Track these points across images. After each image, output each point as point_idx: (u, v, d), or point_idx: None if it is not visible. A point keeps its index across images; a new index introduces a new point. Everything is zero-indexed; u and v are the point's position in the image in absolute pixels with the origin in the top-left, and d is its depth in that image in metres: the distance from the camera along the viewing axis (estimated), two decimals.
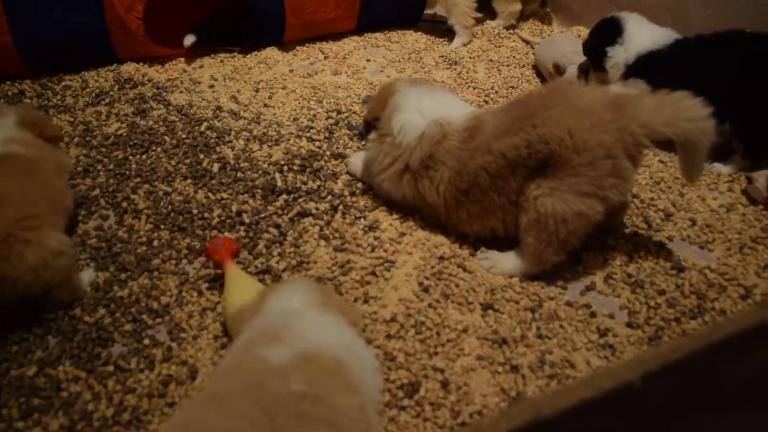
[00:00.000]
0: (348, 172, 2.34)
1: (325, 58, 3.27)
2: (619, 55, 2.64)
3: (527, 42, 3.46)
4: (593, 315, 1.81)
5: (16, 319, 1.79)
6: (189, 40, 3.14)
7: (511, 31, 3.57)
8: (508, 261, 1.92)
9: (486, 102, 2.84)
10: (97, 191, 2.27)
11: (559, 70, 2.90)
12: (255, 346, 1.31)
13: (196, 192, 2.26)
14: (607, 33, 2.68)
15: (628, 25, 2.64)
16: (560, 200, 1.77)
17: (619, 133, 1.72)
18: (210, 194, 2.24)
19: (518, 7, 3.57)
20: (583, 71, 2.81)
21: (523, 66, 3.19)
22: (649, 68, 2.56)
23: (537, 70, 3.16)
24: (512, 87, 2.98)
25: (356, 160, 2.31)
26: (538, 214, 1.80)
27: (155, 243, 2.06)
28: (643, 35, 2.62)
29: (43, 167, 1.95)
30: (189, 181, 2.31)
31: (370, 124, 2.12)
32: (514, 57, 3.29)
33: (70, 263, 1.81)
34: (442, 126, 1.96)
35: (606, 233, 2.09)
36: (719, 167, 2.44)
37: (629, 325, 1.79)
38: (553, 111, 1.78)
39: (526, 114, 1.83)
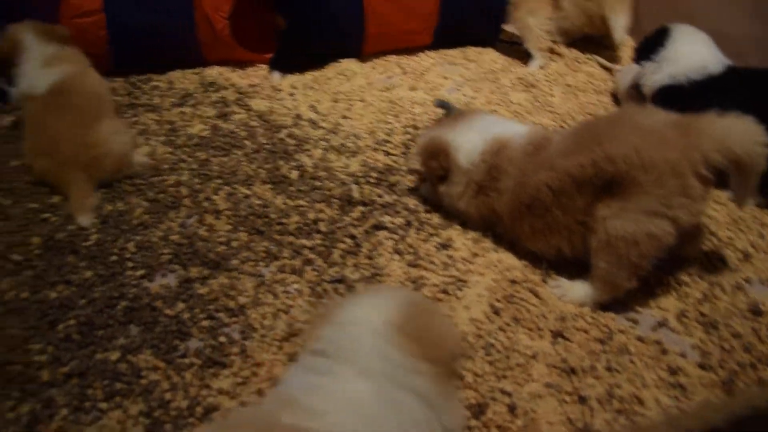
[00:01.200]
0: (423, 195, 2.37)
1: (403, 73, 3.32)
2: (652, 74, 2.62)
3: (606, 68, 3.45)
4: (664, 352, 1.80)
5: (100, 307, 1.89)
6: (276, 77, 3.24)
7: (589, 56, 3.56)
8: (580, 289, 1.93)
9: (562, 127, 2.85)
10: (181, 189, 2.36)
11: (637, 92, 2.87)
12: (279, 407, 1.17)
13: (274, 197, 2.33)
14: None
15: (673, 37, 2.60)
16: (630, 221, 1.77)
17: (686, 151, 1.73)
18: (288, 200, 2.31)
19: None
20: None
21: (600, 93, 3.19)
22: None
23: (615, 97, 3.15)
24: (589, 113, 2.97)
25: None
26: (608, 236, 1.81)
27: (234, 244, 2.14)
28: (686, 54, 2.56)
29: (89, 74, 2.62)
30: (268, 186, 2.39)
31: (443, 177, 2.17)
32: (591, 83, 3.29)
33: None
34: (500, 138, 2.05)
35: (680, 266, 2.07)
36: None
37: (701, 366, 1.77)
38: (618, 131, 1.82)
39: (593, 134, 1.87)
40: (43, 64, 2.53)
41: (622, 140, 1.78)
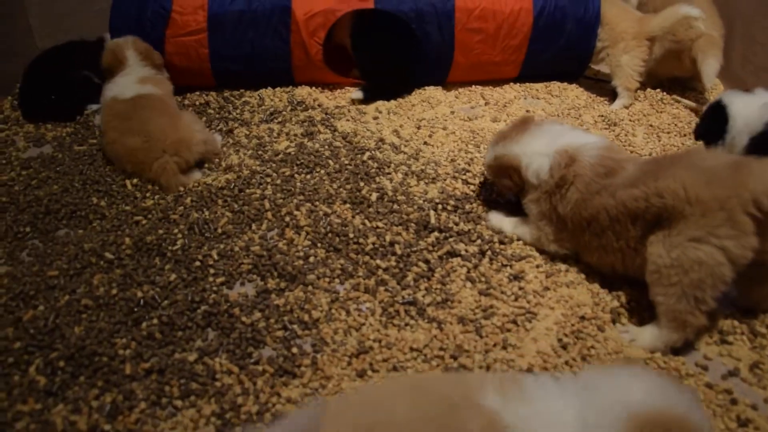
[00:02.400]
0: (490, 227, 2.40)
1: (486, 103, 3.36)
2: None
3: (692, 109, 3.41)
4: (734, 402, 1.76)
5: (182, 309, 1.99)
6: (357, 95, 3.34)
7: (675, 97, 3.52)
8: (648, 333, 1.91)
9: None
10: (265, 203, 2.46)
11: None
12: None
13: (353, 217, 2.40)
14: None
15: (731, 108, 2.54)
16: (674, 247, 1.80)
17: (735, 189, 1.75)
18: (366, 221, 2.38)
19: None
20: None
21: (684, 135, 3.14)
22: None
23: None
24: (684, 152, 2.93)
25: (500, 220, 2.40)
26: (656, 265, 1.84)
27: (311, 259, 2.21)
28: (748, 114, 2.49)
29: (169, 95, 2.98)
30: (348, 205, 2.46)
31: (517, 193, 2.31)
32: (675, 125, 3.25)
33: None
34: (567, 151, 2.12)
35: (757, 316, 2.04)
36: None
37: None
38: (675, 168, 1.88)
39: (654, 170, 1.94)
40: (137, 81, 2.84)
41: (675, 177, 1.84)
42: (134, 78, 2.85)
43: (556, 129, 2.28)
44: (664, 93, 3.58)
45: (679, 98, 3.51)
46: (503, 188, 2.35)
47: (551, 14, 3.35)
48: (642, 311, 2.02)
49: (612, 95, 3.47)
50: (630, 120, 3.27)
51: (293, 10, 3.17)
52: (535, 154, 2.19)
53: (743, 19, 3.53)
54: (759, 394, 1.81)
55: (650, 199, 1.86)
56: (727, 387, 1.81)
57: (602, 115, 3.28)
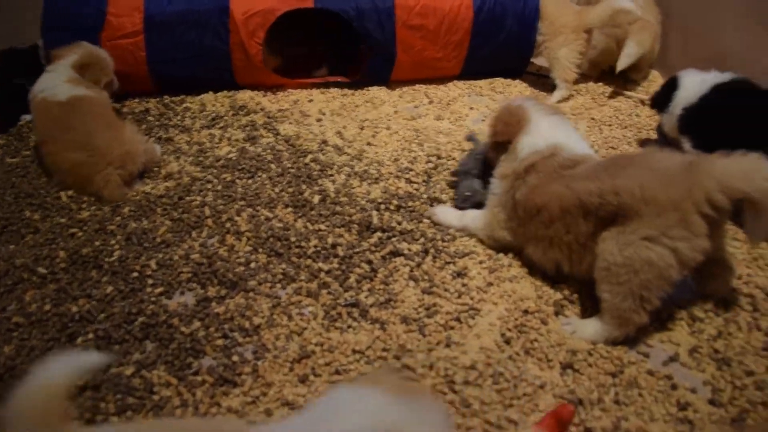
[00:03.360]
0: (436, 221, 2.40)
1: (430, 102, 3.36)
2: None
3: (644, 102, 3.45)
4: (674, 387, 1.78)
5: (119, 322, 1.93)
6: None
7: (629, 93, 3.57)
8: (591, 326, 1.92)
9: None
10: (205, 209, 2.41)
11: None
12: None
13: (295, 220, 2.37)
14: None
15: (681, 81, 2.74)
16: (627, 245, 1.81)
17: (690, 190, 1.76)
18: (308, 224, 2.35)
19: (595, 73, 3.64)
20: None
21: (626, 127, 3.18)
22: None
23: (641, 131, 3.15)
24: (612, 147, 2.97)
25: (445, 213, 2.39)
26: (607, 263, 1.84)
27: (252, 265, 2.17)
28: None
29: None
30: (290, 209, 2.43)
31: (500, 145, 2.24)
32: (617, 117, 3.29)
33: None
34: (556, 147, 2.10)
35: (695, 302, 2.07)
36: None
37: (712, 402, 1.74)
38: (632, 168, 1.89)
39: (612, 168, 1.94)
40: (67, 80, 2.69)
41: (632, 176, 1.85)
42: (64, 77, 2.70)
43: (568, 130, 2.24)
44: (606, 86, 3.62)
45: (627, 92, 3.56)
46: (492, 132, 2.28)
47: (491, 9, 3.36)
48: (585, 302, 2.03)
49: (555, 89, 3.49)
50: (572, 114, 3.30)
51: (231, 10, 3.12)
52: (539, 131, 2.15)
53: (679, 10, 3.59)
54: (698, 378, 1.83)
55: (606, 196, 1.86)
56: (668, 373, 1.83)
57: None
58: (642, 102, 3.48)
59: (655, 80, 3.72)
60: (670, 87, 2.79)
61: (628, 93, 3.56)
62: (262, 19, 3.16)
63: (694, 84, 2.70)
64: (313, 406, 1.28)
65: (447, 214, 2.38)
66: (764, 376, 1.82)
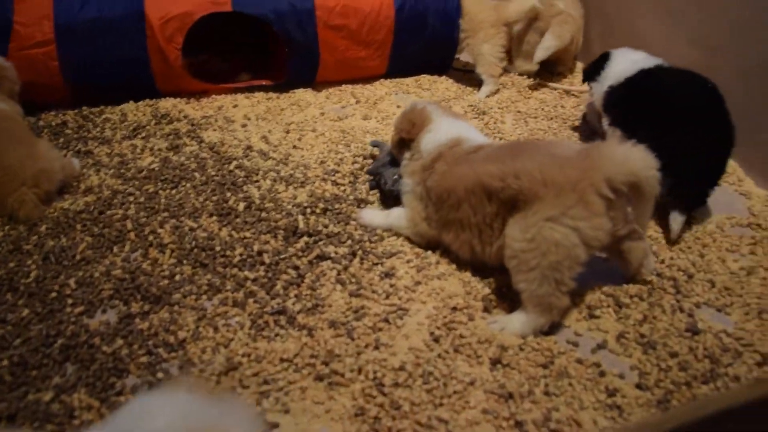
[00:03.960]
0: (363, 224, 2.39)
1: (357, 102, 3.34)
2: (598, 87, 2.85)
3: (568, 93, 3.51)
4: (602, 374, 1.81)
5: (36, 346, 1.86)
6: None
7: (554, 85, 3.62)
8: (517, 320, 1.93)
9: None
10: (127, 223, 2.34)
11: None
12: None
13: (220, 229, 2.32)
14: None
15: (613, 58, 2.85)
16: (529, 227, 1.84)
17: (587, 171, 1.83)
18: (234, 232, 2.30)
19: (535, 68, 3.66)
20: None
21: (551, 118, 3.23)
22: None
23: (566, 121, 3.20)
24: (538, 139, 3.01)
25: (371, 215, 2.40)
26: (513, 250, 1.88)
27: (177, 277, 2.12)
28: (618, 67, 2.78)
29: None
30: (214, 218, 2.38)
31: (403, 142, 2.33)
32: (542, 109, 3.33)
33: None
34: (458, 140, 2.20)
35: (622, 288, 2.11)
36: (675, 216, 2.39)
37: (639, 386, 1.78)
38: (533, 153, 1.96)
39: (513, 152, 2.01)
40: None
41: (532, 159, 1.90)
42: None
43: (468, 126, 2.35)
44: (531, 79, 3.67)
45: (552, 84, 3.61)
46: (397, 131, 2.37)
47: (413, 7, 3.36)
48: (513, 295, 2.03)
49: (481, 85, 3.52)
50: (499, 108, 3.33)
51: (147, 14, 3.04)
52: (441, 128, 2.26)
53: (597, 2, 3.66)
54: (625, 363, 1.86)
55: (506, 179, 1.90)
56: (596, 360, 1.86)
57: (471, 105, 3.33)
58: (567, 93, 3.53)
59: (580, 72, 3.78)
60: (602, 60, 2.88)
61: (553, 84, 3.61)
62: (179, 24, 3.08)
63: (624, 63, 2.77)
64: (116, 415, 1.25)
65: (373, 215, 2.38)
66: (687, 357, 1.87)
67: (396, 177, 2.40)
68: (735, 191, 2.70)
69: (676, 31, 3.09)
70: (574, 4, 3.62)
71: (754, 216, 2.54)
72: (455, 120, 2.34)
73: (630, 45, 3.11)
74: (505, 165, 1.93)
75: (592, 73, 2.91)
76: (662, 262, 2.26)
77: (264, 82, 3.45)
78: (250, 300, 2.03)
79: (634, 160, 1.84)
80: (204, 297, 2.05)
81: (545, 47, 3.42)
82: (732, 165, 2.86)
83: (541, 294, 1.86)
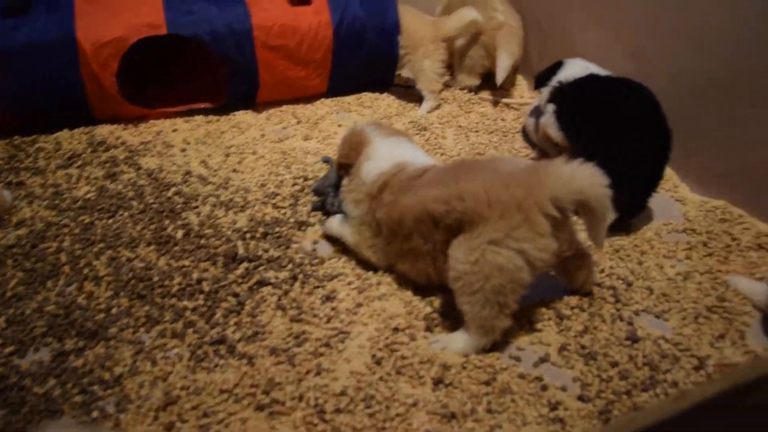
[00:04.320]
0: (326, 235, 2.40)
1: (298, 122, 3.32)
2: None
3: (509, 105, 3.55)
4: (545, 388, 1.81)
5: None
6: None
7: (481, 97, 3.66)
8: (459, 339, 1.92)
9: None
10: (61, 256, 2.28)
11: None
12: None
13: (158, 259, 2.27)
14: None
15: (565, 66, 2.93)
16: (473, 249, 1.80)
17: (533, 190, 1.79)
18: (172, 261, 2.26)
19: (477, 82, 3.70)
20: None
21: (492, 132, 3.25)
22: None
23: (506, 135, 3.23)
24: (479, 154, 3.03)
25: (332, 222, 2.38)
26: (457, 272, 1.84)
27: (114, 311, 2.07)
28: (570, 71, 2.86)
29: None
30: (152, 247, 2.33)
31: (344, 167, 2.30)
32: (483, 123, 3.36)
33: None
34: (402, 164, 2.15)
35: (562, 300, 2.12)
36: None
37: (581, 398, 1.79)
38: (476, 172, 1.91)
39: (456, 173, 1.96)
40: None
41: (476, 179, 1.86)
42: None
43: (409, 146, 2.32)
44: (472, 93, 3.70)
45: (492, 98, 3.65)
46: (339, 155, 2.34)
47: (350, 25, 3.35)
48: (456, 314, 2.02)
49: (422, 100, 3.53)
50: (440, 123, 3.34)
51: (79, 40, 2.96)
52: (382, 154, 2.21)
53: (534, 15, 3.71)
54: (567, 375, 1.87)
55: (451, 202, 1.86)
56: (539, 374, 1.86)
57: (413, 121, 3.33)
58: (507, 106, 3.57)
59: (520, 84, 3.84)
60: (555, 67, 2.95)
61: (494, 98, 3.65)
62: (114, 49, 3.02)
63: (575, 68, 2.85)
64: None
65: (332, 222, 2.37)
66: (627, 365, 1.88)
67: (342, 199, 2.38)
68: (671, 197, 2.76)
69: (610, 42, 3.16)
70: (512, 14, 3.67)
71: (689, 221, 2.59)
72: (397, 141, 2.29)
73: (566, 56, 3.17)
74: (448, 188, 1.89)
75: (544, 79, 2.96)
76: (602, 271, 2.28)
77: (203, 105, 3.41)
78: (189, 330, 1.99)
79: (580, 178, 1.81)
80: (142, 329, 2.00)
81: (503, 68, 3.45)
82: (668, 172, 2.92)
83: (484, 316, 1.84)
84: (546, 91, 2.88)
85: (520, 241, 1.77)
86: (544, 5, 3.64)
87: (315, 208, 2.54)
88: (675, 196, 2.76)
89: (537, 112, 2.98)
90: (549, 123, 2.80)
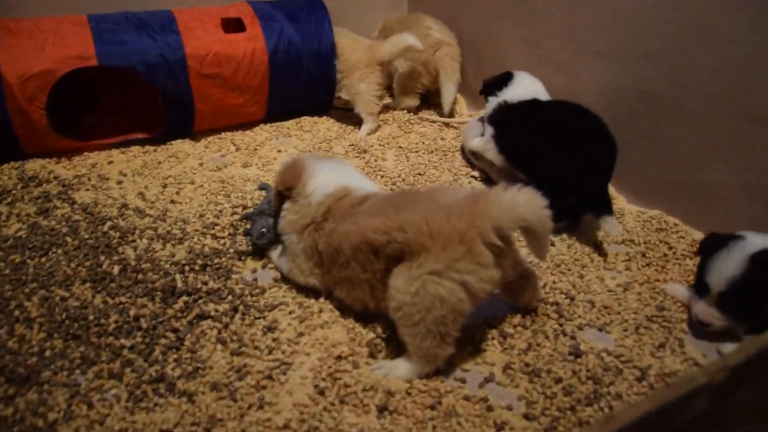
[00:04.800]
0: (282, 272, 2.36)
1: (237, 149, 3.29)
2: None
3: (448, 125, 3.58)
4: (490, 408, 1.81)
5: None
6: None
7: (428, 116, 3.69)
8: (401, 366, 1.89)
9: (393, 190, 2.89)
10: None
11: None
12: None
13: (94, 296, 2.20)
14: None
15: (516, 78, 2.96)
16: (414, 279, 1.78)
17: (475, 221, 1.78)
18: (108, 298, 2.19)
19: (416, 102, 3.74)
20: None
21: (431, 152, 3.28)
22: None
23: (445, 154, 3.25)
24: (419, 174, 3.04)
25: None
26: (397, 302, 1.81)
27: (47, 353, 1.99)
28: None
29: None
30: (88, 284, 2.26)
31: (282, 194, 2.24)
32: (423, 143, 3.38)
33: None
34: (346, 188, 2.14)
35: (504, 318, 2.13)
36: None
37: (526, 416, 1.79)
38: (417, 203, 1.90)
39: (397, 203, 1.95)
40: None
41: (417, 210, 1.84)
42: None
43: (351, 170, 2.33)
44: (411, 114, 3.73)
45: (431, 117, 3.68)
46: (277, 183, 2.28)
47: (286, 51, 3.35)
48: (399, 338, 2.02)
49: (362, 123, 3.54)
50: (380, 145, 3.36)
51: (3, 73, 2.88)
52: (325, 176, 2.21)
53: (469, 36, 3.78)
54: (513, 394, 1.87)
55: (391, 233, 1.84)
56: (484, 395, 1.85)
57: (353, 144, 3.34)
58: (446, 125, 3.61)
59: (459, 102, 3.89)
60: (504, 80, 2.96)
61: (433, 118, 3.68)
62: (41, 82, 2.95)
63: (521, 88, 2.91)
64: None
65: (273, 253, 2.37)
66: (571, 381, 1.90)
67: (263, 230, 2.35)
68: None
69: (541, 59, 3.23)
70: (447, 32, 3.73)
71: (627, 232, 2.65)
72: (337, 163, 2.31)
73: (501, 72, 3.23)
74: (389, 218, 1.87)
75: (491, 89, 2.99)
76: (544, 286, 2.30)
77: (140, 136, 3.35)
78: (127, 369, 1.92)
79: (521, 204, 1.81)
80: (77, 371, 1.93)
81: (449, 102, 3.55)
82: None
83: (426, 347, 1.82)
84: (491, 103, 2.93)
85: (461, 273, 1.76)
86: (477, 25, 3.71)
87: (245, 233, 2.49)
88: (613, 208, 2.81)
89: (482, 122, 3.05)
90: (488, 147, 2.85)
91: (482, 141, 2.90)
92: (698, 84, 2.48)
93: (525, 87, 2.90)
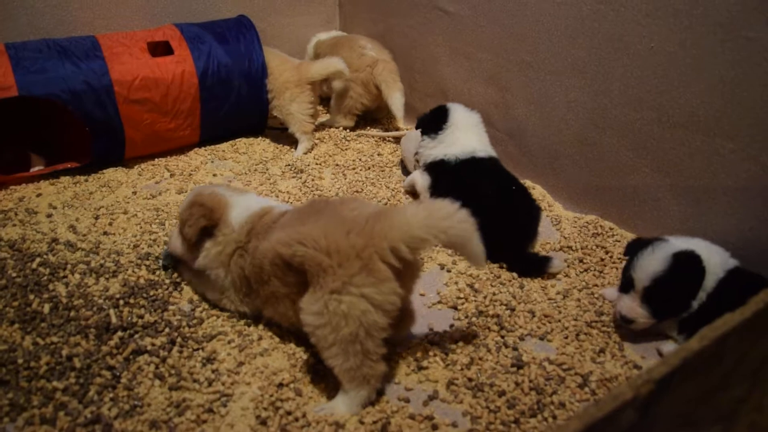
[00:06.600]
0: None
1: (171, 175, 3.23)
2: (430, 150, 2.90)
3: (384, 139, 3.58)
4: (435, 427, 1.80)
5: None
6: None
7: (362, 132, 3.70)
8: (341, 402, 1.83)
9: None
10: None
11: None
12: None
13: (23, 338, 2.12)
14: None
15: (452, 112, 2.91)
16: (315, 301, 1.75)
17: (373, 240, 1.73)
18: (39, 339, 2.11)
19: (351, 123, 3.77)
20: None
21: (369, 168, 3.27)
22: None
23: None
24: (357, 191, 3.04)
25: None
26: (309, 327, 1.78)
27: None
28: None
29: None
30: (16, 326, 2.17)
31: (206, 230, 2.16)
32: (360, 159, 3.38)
33: None
34: (267, 208, 2.14)
35: (446, 334, 2.13)
36: None
37: None
38: (320, 216, 1.87)
39: (307, 214, 1.93)
40: None
41: (319, 224, 1.82)
42: None
43: (263, 199, 2.30)
44: (347, 131, 3.72)
45: (368, 132, 3.68)
46: (195, 222, 2.14)
47: (216, 73, 3.31)
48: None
49: (298, 143, 3.52)
50: (317, 164, 3.34)
51: None
52: (245, 200, 2.21)
53: (401, 51, 3.80)
54: (457, 410, 1.87)
55: (293, 246, 1.80)
56: (429, 413, 1.84)
57: (289, 164, 3.31)
58: (384, 139, 3.61)
59: (396, 117, 3.89)
60: (439, 117, 2.90)
61: (370, 132, 3.68)
62: None
63: (463, 136, 2.84)
64: None
65: None
66: (514, 393, 1.91)
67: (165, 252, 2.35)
68: (546, 216, 2.85)
69: (473, 73, 3.26)
70: (382, 50, 3.75)
71: (565, 239, 2.69)
72: (251, 195, 2.30)
73: (434, 87, 3.25)
74: (293, 230, 1.84)
75: (427, 127, 2.93)
76: (485, 298, 2.32)
77: (69, 165, 3.26)
78: (61, 413, 1.85)
79: (416, 224, 1.74)
80: (6, 419, 1.85)
81: (399, 108, 3.55)
82: (541, 191, 3.03)
83: (351, 368, 1.77)
84: (428, 143, 2.90)
85: (360, 287, 1.71)
86: (408, 41, 3.74)
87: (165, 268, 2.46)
88: (550, 215, 2.86)
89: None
90: (424, 195, 2.86)
91: (419, 184, 2.89)
92: (621, 92, 2.55)
93: (463, 136, 2.83)
